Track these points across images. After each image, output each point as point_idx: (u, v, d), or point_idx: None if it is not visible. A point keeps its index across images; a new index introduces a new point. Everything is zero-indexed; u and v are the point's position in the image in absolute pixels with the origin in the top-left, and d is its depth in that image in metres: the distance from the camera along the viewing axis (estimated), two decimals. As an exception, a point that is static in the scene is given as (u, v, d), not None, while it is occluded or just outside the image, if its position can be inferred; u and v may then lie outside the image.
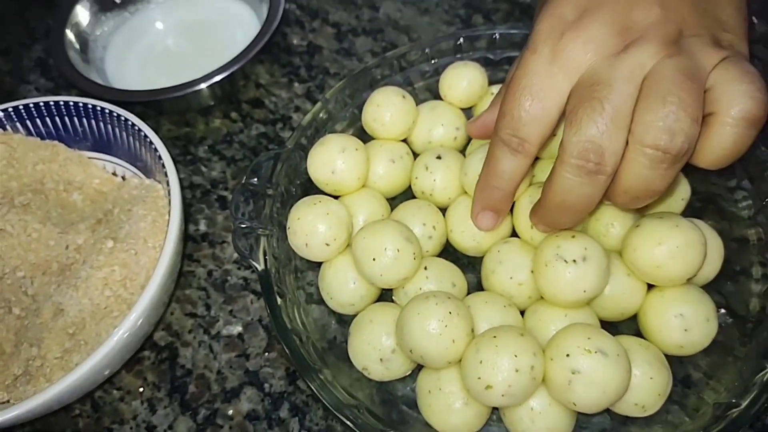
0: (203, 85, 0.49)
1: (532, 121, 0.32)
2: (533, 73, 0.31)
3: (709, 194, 0.42)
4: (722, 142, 0.30)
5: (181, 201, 0.38)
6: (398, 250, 0.36)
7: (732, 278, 0.38)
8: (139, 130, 0.42)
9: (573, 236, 0.34)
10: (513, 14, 0.57)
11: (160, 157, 0.40)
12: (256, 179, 0.42)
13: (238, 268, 0.45)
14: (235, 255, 0.45)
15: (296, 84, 0.55)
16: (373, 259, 0.36)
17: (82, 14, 0.56)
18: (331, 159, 0.41)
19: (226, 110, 0.54)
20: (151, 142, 0.40)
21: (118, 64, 0.56)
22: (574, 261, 0.33)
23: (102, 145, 0.45)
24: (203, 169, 0.51)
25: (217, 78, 0.49)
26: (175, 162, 0.51)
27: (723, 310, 0.37)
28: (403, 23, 0.58)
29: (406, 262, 0.36)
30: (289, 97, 0.54)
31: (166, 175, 0.39)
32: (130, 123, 0.42)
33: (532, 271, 0.36)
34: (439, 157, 0.42)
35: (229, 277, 0.44)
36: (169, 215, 0.37)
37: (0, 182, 0.43)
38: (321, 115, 0.45)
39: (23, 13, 0.66)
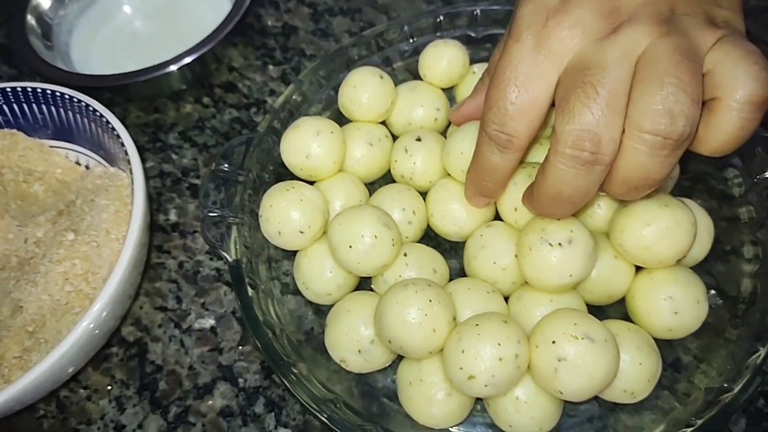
0: (173, 68, 0.47)
1: (519, 113, 0.29)
2: (518, 61, 0.29)
3: (698, 173, 0.41)
4: (728, 128, 0.27)
5: (146, 190, 0.36)
6: (376, 237, 0.34)
7: (722, 258, 0.37)
8: (101, 116, 0.39)
9: (557, 220, 0.33)
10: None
11: (123, 144, 0.37)
12: (227, 165, 0.40)
13: (211, 259, 0.43)
14: (208, 245, 0.43)
15: (271, 66, 0.53)
16: (350, 247, 0.34)
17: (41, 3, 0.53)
18: (305, 143, 0.39)
19: (197, 95, 0.52)
20: (113, 129, 0.38)
21: (84, 49, 0.54)
22: (560, 244, 0.32)
23: (64, 132, 0.43)
24: (174, 156, 0.48)
25: (187, 60, 0.47)
26: (144, 150, 0.49)
27: (713, 291, 0.36)
28: (382, 2, 0.56)
29: (385, 248, 0.34)
30: (263, 81, 0.52)
31: (129, 162, 0.37)
32: (91, 109, 0.40)
33: (516, 256, 0.35)
34: (419, 139, 0.40)
35: (201, 269, 0.42)
36: (132, 205, 0.34)
37: (-45, 174, 0.41)
38: (295, 97, 0.43)
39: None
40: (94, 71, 0.52)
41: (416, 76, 0.45)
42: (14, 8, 0.52)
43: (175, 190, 0.47)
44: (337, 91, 0.43)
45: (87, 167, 0.43)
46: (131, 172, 0.37)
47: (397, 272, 0.35)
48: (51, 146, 0.43)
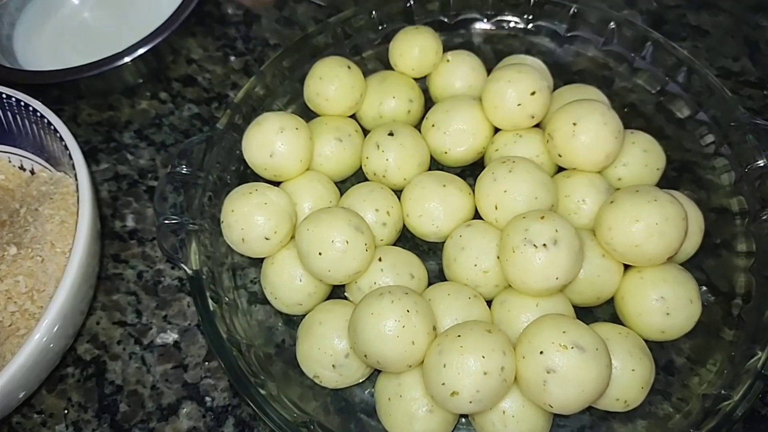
0: (126, 59, 0.43)
1: None
2: None
3: (684, 162, 0.39)
4: None
5: (94, 196, 0.33)
6: (347, 242, 0.31)
7: (712, 252, 0.36)
8: (42, 116, 0.36)
9: (542, 217, 0.30)
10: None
11: (66, 148, 0.34)
12: (185, 166, 0.37)
13: (172, 268, 0.40)
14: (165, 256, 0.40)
15: (232, 58, 0.50)
16: (320, 254, 0.31)
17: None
18: (268, 140, 0.36)
19: (153, 90, 0.48)
20: (56, 131, 0.35)
21: (29, 43, 0.50)
22: (545, 245, 0.30)
23: (5, 136, 0.39)
24: (129, 157, 0.45)
25: (141, 51, 0.43)
26: (98, 150, 0.46)
27: (704, 288, 0.34)
28: (350, -13, 0.53)
29: (357, 254, 0.32)
30: (224, 73, 0.49)
31: (74, 167, 0.34)
32: (32, 109, 0.36)
33: (498, 257, 0.33)
34: (391, 134, 0.38)
35: (161, 279, 0.39)
36: (78, 214, 0.31)
37: None
38: (257, 90, 0.40)
39: None
40: (41, 67, 0.48)
41: (387, 66, 0.43)
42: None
43: (131, 194, 0.43)
44: (302, 84, 0.40)
45: (32, 172, 0.40)
46: (77, 178, 0.33)
47: (371, 279, 0.33)
48: (-9, 151, 0.40)
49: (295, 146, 0.36)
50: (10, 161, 0.40)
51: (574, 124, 0.34)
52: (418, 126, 0.41)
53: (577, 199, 0.34)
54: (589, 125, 0.34)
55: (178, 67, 0.49)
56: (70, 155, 0.34)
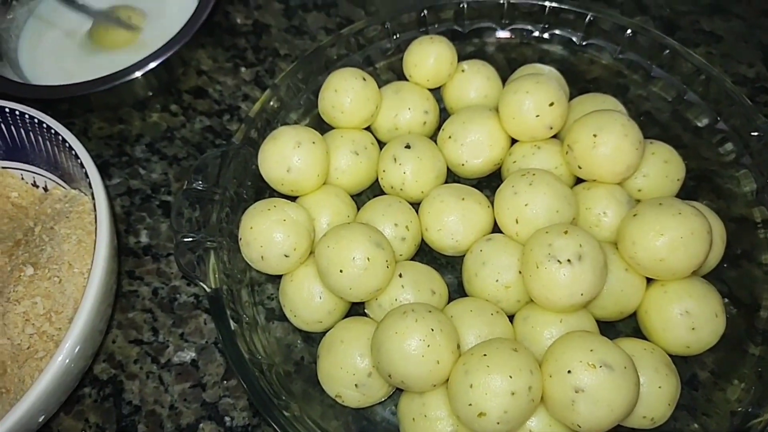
0: (137, 74, 0.43)
1: None
2: None
3: (702, 171, 0.38)
4: None
5: (111, 215, 0.32)
6: (368, 259, 0.31)
7: (734, 263, 0.35)
8: (56, 133, 0.36)
9: (565, 231, 0.30)
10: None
11: (82, 165, 0.34)
12: (201, 182, 0.36)
13: (188, 284, 0.39)
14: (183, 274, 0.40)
15: (243, 69, 0.49)
16: (341, 271, 0.31)
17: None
18: (285, 155, 0.35)
19: (164, 102, 0.48)
20: (71, 148, 0.34)
21: (33, 55, 0.49)
22: (569, 261, 0.29)
23: (17, 152, 0.39)
24: (141, 171, 0.45)
25: (152, 65, 0.43)
26: (110, 165, 0.45)
27: (726, 300, 0.34)
28: (358, -5, 0.52)
29: (378, 272, 0.31)
30: (235, 84, 0.48)
31: (90, 186, 0.33)
32: (45, 126, 0.36)
33: (520, 272, 0.32)
34: (408, 147, 0.37)
35: (177, 295, 0.39)
36: (96, 233, 0.31)
37: None
38: (271, 103, 0.40)
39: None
40: (46, 79, 0.47)
41: (401, 76, 0.42)
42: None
43: (144, 209, 0.43)
44: (316, 95, 0.40)
45: (45, 189, 0.39)
46: (93, 196, 0.33)
47: (392, 295, 0.33)
48: (4, 167, 0.39)
49: (312, 161, 0.36)
50: (22, 178, 0.40)
51: (595, 135, 0.33)
52: (433, 137, 0.40)
53: (598, 212, 0.34)
54: (609, 137, 0.33)
55: (188, 78, 0.49)
56: (85, 173, 0.34)
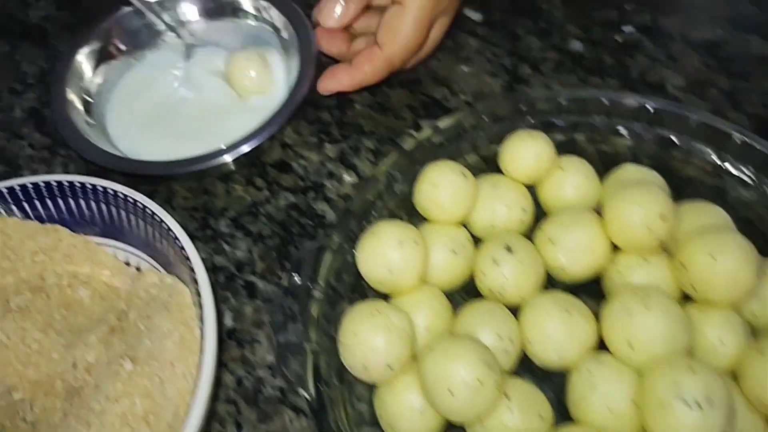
0: (227, 158, 0.43)
1: None
2: None
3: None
4: None
5: (217, 317, 0.32)
6: (479, 381, 0.30)
7: None
8: (161, 221, 0.35)
9: (692, 368, 0.29)
10: (563, 65, 0.52)
11: (188, 259, 0.33)
12: (298, 277, 0.36)
13: (273, 376, 0.39)
14: (269, 357, 0.39)
15: (327, 144, 0.49)
16: (450, 392, 0.30)
17: (84, 64, 0.50)
18: (386, 255, 0.35)
19: (248, 175, 0.48)
20: (176, 238, 0.34)
21: (120, 121, 0.50)
22: (699, 405, 0.28)
23: (112, 230, 0.39)
24: (226, 247, 0.44)
25: (245, 149, 0.43)
26: (194, 238, 0.45)
27: None
28: (442, 73, 0.52)
29: (489, 394, 0.30)
30: (320, 161, 0.48)
31: (195, 280, 0.33)
32: (149, 212, 0.36)
33: (634, 402, 0.31)
34: (509, 249, 0.36)
35: (262, 387, 0.38)
36: (202, 338, 0.30)
37: (-7, 278, 0.37)
38: (368, 196, 0.39)
39: (13, 54, 0.59)
40: (133, 147, 0.48)
41: (494, 167, 0.42)
42: (52, 75, 0.48)
43: (229, 288, 0.42)
44: (410, 184, 0.40)
45: (138, 269, 0.39)
46: (198, 294, 0.33)
47: (499, 419, 0.31)
48: (98, 243, 0.39)
49: (414, 261, 0.35)
50: (116, 256, 0.39)
51: (713, 257, 0.32)
52: (527, 235, 0.39)
53: (714, 339, 0.33)
54: (729, 260, 0.32)
55: (272, 151, 0.49)
56: (192, 268, 0.33)
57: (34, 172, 0.51)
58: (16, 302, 0.36)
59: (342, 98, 0.51)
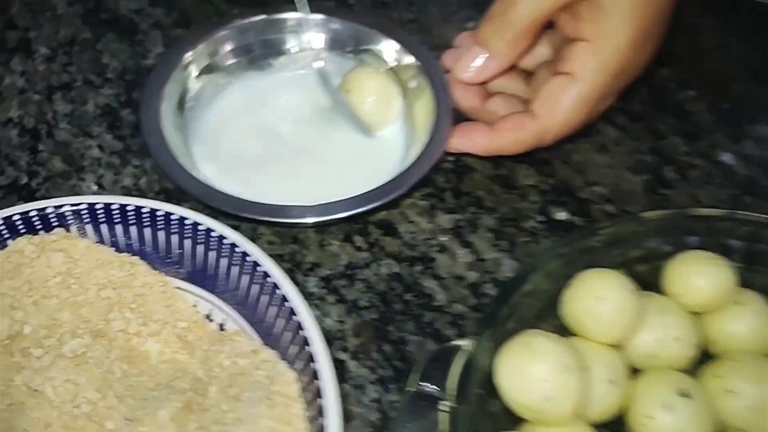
0: (331, 217, 0.37)
1: None
2: None
3: None
4: None
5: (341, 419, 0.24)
6: None
7: None
8: (266, 275, 0.29)
9: None
10: (712, 175, 0.46)
11: (306, 339, 0.26)
12: (428, 385, 0.29)
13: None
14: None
15: (440, 213, 0.43)
16: None
17: (187, 71, 0.44)
18: (546, 383, 0.28)
19: (347, 229, 0.41)
20: (284, 299, 0.27)
21: (208, 144, 0.43)
22: None
23: (200, 275, 0.32)
24: (315, 311, 0.37)
25: (356, 211, 0.37)
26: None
27: None
28: (576, 158, 0.46)
29: None
30: (431, 230, 0.42)
31: (307, 363, 0.26)
32: (252, 262, 0.29)
33: None
34: (685, 395, 0.30)
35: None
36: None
37: (47, 310, 0.29)
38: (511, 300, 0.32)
39: (95, 44, 0.53)
40: (219, 176, 0.41)
41: (645, 281, 0.35)
42: (146, 88, 0.42)
43: (314, 365, 0.35)
44: (557, 292, 0.33)
45: (222, 327, 0.32)
46: (312, 381, 0.25)
47: None
48: (177, 287, 0.32)
49: (576, 391, 0.28)
50: (195, 306, 0.32)
51: None
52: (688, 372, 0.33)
53: None
54: None
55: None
56: (303, 343, 0.26)
57: (99, 178, 0.44)
58: (72, 346, 0.28)
59: (460, 162, 0.45)
